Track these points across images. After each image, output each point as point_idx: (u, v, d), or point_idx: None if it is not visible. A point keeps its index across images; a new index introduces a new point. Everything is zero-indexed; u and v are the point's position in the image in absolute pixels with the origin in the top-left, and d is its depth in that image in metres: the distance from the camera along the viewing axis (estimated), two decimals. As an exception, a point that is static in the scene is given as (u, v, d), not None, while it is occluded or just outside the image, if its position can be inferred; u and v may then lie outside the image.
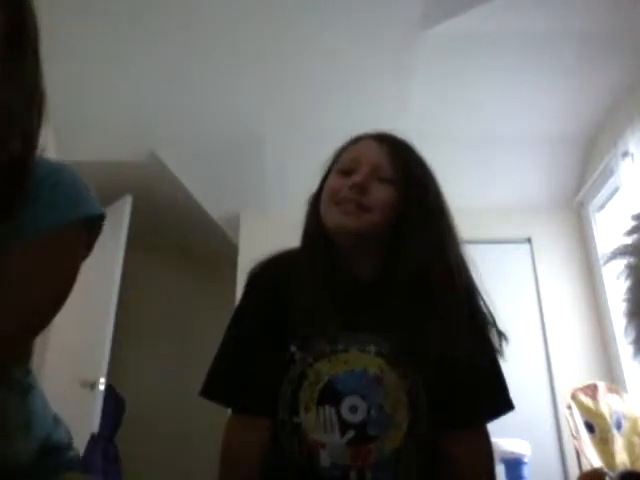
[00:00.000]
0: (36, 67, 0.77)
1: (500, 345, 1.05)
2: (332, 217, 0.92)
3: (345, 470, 0.84)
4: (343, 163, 0.97)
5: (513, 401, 1.04)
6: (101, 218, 0.74)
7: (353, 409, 0.86)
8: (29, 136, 0.71)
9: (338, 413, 0.86)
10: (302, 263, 0.93)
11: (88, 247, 0.76)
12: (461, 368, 0.88)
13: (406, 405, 0.87)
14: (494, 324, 1.03)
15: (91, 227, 0.74)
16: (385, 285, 0.90)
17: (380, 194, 0.91)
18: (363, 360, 0.87)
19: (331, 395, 0.86)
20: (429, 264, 0.90)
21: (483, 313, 1.02)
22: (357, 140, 1.01)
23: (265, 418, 0.88)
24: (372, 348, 0.88)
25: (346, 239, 0.92)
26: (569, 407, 2.59)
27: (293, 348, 0.88)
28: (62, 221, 0.68)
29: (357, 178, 0.91)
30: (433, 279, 0.90)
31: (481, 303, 1.04)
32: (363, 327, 0.89)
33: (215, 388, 0.92)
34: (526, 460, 2.54)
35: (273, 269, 0.97)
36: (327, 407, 0.86)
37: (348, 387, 0.86)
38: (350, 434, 0.85)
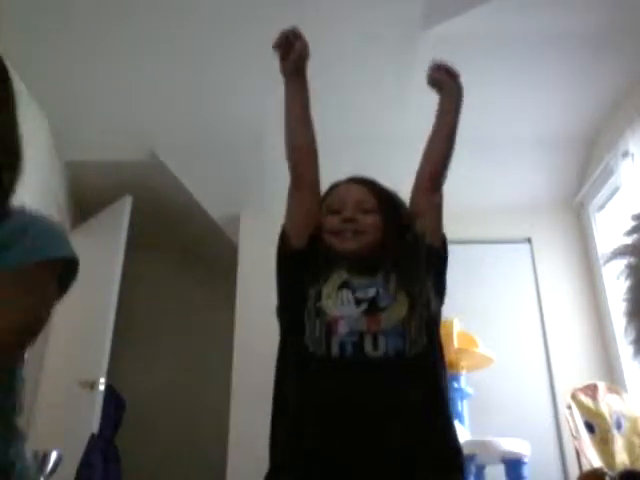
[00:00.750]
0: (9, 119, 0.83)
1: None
2: (336, 245, 1.20)
3: (361, 335, 1.06)
4: (332, 205, 1.25)
5: None
6: (74, 262, 0.82)
7: (365, 290, 1.13)
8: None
9: (354, 294, 1.12)
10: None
11: (63, 290, 0.83)
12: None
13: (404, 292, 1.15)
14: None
15: (66, 268, 0.82)
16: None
17: (367, 220, 1.22)
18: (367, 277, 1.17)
19: (347, 285, 1.13)
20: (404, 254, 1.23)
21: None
22: (337, 186, 1.31)
23: None
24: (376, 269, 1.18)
25: (351, 256, 1.19)
26: (569, 407, 2.59)
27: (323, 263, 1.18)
28: (31, 260, 0.76)
29: (347, 214, 1.21)
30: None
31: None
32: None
33: None
34: (526, 460, 2.54)
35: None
36: (344, 290, 1.13)
37: (362, 284, 1.14)
38: (364, 305, 1.10)
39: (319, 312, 1.10)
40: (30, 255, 0.76)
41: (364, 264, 1.19)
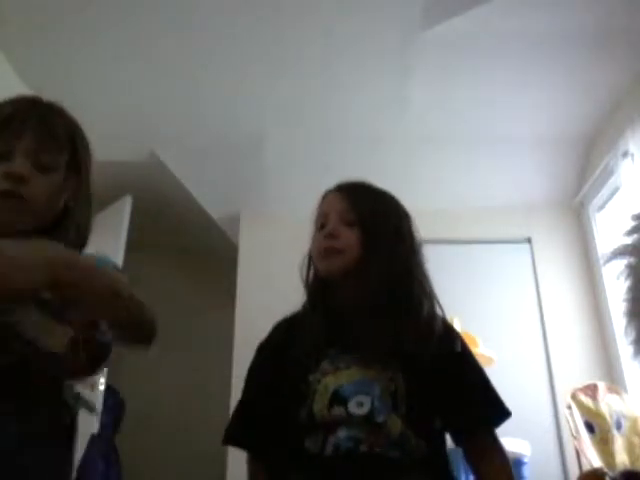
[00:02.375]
0: (88, 179, 1.01)
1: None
2: (319, 267, 1.13)
3: (357, 442, 0.97)
4: (317, 219, 1.17)
5: (508, 408, 1.12)
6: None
7: (359, 404, 0.99)
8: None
9: (347, 410, 0.99)
10: (306, 310, 1.15)
11: None
12: (445, 375, 1.07)
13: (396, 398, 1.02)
14: (458, 337, 1.21)
15: None
16: (365, 308, 1.07)
17: (348, 236, 1.10)
18: (361, 372, 1.03)
19: (339, 399, 1.00)
20: (393, 287, 1.08)
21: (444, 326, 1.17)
22: (325, 197, 1.20)
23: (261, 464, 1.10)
24: (361, 360, 1.04)
25: (334, 279, 1.12)
26: (569, 407, 2.59)
27: (311, 377, 1.04)
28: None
29: (328, 229, 1.11)
30: (399, 299, 1.08)
31: (444, 320, 1.20)
32: (357, 346, 1.05)
33: (235, 436, 1.12)
34: (526, 460, 2.54)
35: (279, 328, 1.19)
36: (336, 407, 0.99)
37: (353, 390, 1.01)
38: (361, 423, 0.98)
39: (313, 422, 1.00)
40: (107, 263, 0.96)
41: (351, 321, 1.07)
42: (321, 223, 1.15)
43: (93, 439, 2.75)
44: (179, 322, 4.45)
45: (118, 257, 3.25)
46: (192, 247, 4.51)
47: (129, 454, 3.56)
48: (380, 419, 0.98)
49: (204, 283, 4.57)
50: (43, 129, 0.92)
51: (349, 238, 1.09)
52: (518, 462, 2.52)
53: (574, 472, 2.80)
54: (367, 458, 0.96)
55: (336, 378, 1.02)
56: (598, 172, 3.34)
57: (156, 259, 4.52)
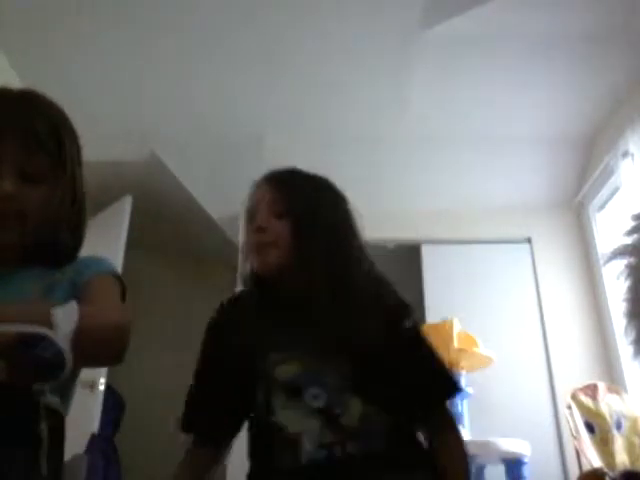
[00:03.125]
0: (73, 177, 0.97)
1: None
2: (253, 262, 1.10)
3: (329, 448, 0.94)
4: (247, 214, 1.13)
5: (459, 382, 1.17)
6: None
7: (315, 396, 0.97)
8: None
9: (304, 402, 0.97)
10: (247, 302, 1.15)
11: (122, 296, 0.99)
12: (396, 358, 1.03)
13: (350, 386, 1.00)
14: (409, 312, 1.14)
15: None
16: (308, 298, 1.05)
17: (278, 229, 1.06)
18: (310, 360, 1.01)
19: (293, 389, 0.98)
20: (333, 274, 1.05)
21: (395, 304, 1.13)
22: (253, 188, 1.16)
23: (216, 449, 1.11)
24: (310, 348, 1.02)
25: (268, 275, 1.09)
26: (569, 407, 2.59)
27: (260, 365, 1.02)
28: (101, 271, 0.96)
29: (257, 222, 1.07)
30: (340, 285, 1.05)
31: (393, 296, 1.15)
32: (303, 335, 1.03)
33: (189, 422, 1.11)
34: (526, 460, 2.54)
35: (226, 310, 1.19)
36: (294, 401, 0.98)
37: (306, 381, 0.99)
38: (320, 418, 0.96)
39: (276, 427, 0.98)
40: (104, 268, 0.97)
41: (294, 311, 1.05)
42: (251, 216, 1.11)
43: (93, 439, 2.75)
44: (179, 322, 4.44)
45: (118, 257, 3.24)
46: (192, 247, 4.50)
47: (129, 454, 3.56)
48: (338, 410, 0.97)
49: (204, 283, 4.57)
50: (25, 137, 0.88)
51: (279, 230, 1.05)
52: (518, 462, 2.52)
53: (574, 472, 2.80)
54: (344, 464, 0.94)
55: (288, 367, 1.00)
56: (598, 172, 3.34)
57: (156, 259, 4.51)
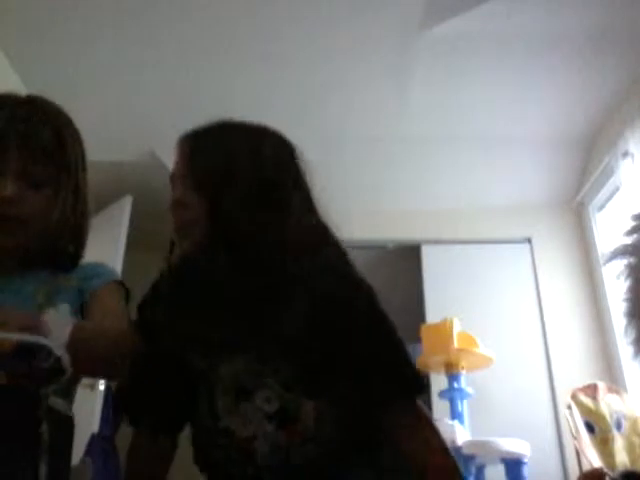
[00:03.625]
0: (77, 182, 0.97)
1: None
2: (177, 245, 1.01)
3: (285, 451, 0.84)
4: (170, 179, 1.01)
5: (419, 374, 0.92)
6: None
7: (267, 399, 0.85)
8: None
9: (255, 406, 0.85)
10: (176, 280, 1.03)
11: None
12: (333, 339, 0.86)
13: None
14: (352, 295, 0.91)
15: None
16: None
17: (194, 206, 0.93)
18: (252, 359, 0.87)
19: (243, 393, 0.86)
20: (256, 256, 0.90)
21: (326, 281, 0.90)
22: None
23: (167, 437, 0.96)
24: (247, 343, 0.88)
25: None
26: (569, 407, 2.59)
27: (195, 359, 0.89)
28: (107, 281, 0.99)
29: (174, 197, 0.97)
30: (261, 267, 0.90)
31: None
32: (241, 329, 0.89)
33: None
34: (526, 460, 2.54)
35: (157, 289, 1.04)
36: (243, 404, 0.85)
37: (254, 382, 0.86)
38: (274, 422, 0.84)
39: (225, 432, 0.85)
40: (111, 277, 1.00)
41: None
42: (172, 185, 0.98)
43: (93, 439, 2.75)
44: (179, 322, 4.45)
45: (118, 257, 3.24)
46: (192, 247, 4.50)
47: (129, 454, 3.55)
48: (292, 415, 0.84)
49: (204, 283, 4.56)
50: (28, 142, 0.88)
51: (195, 209, 0.92)
52: (518, 462, 2.52)
53: (574, 472, 2.80)
54: (303, 468, 0.84)
55: (231, 366, 0.86)
56: (598, 172, 3.34)
57: (156, 259, 4.50)
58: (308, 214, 0.96)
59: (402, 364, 0.89)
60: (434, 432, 0.88)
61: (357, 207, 3.76)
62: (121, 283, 1.02)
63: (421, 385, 0.90)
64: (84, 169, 0.99)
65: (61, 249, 0.95)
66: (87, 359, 0.79)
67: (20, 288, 0.92)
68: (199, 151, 0.99)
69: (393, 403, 0.87)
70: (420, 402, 0.91)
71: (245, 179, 0.92)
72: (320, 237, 0.95)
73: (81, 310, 0.95)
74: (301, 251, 0.90)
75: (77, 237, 0.98)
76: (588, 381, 2.81)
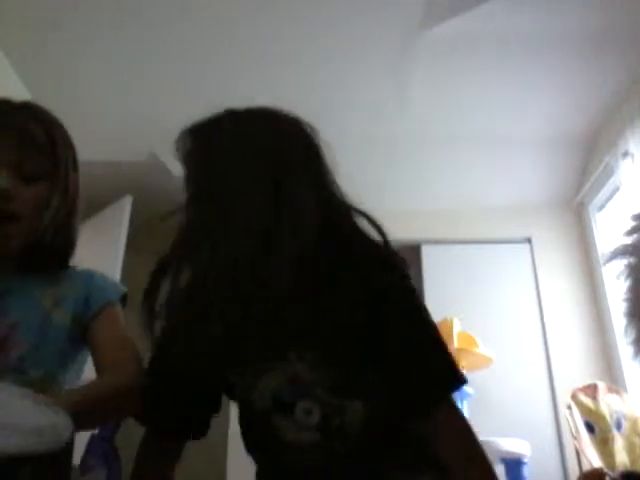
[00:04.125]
0: (67, 179, 0.97)
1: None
2: None
3: (331, 449, 0.81)
4: None
5: (461, 372, 0.86)
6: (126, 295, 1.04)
7: (307, 411, 0.81)
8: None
9: (295, 421, 0.81)
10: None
11: None
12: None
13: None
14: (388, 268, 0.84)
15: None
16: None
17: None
18: (288, 368, 0.82)
19: (283, 407, 0.82)
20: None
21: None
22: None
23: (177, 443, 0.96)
24: (293, 355, 0.82)
25: None
26: (569, 407, 2.59)
27: (232, 378, 0.86)
28: (118, 295, 1.01)
29: None
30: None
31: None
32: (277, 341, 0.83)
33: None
34: (526, 460, 2.54)
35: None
36: (282, 420, 0.82)
37: (295, 394, 0.82)
38: (316, 435, 0.81)
39: (273, 438, 0.83)
40: (116, 294, 1.00)
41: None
42: None
43: (93, 439, 2.75)
44: (179, 322, 4.44)
45: (117, 257, 3.25)
46: (192, 247, 4.51)
47: (129, 454, 3.55)
48: (337, 422, 0.81)
49: (204, 283, 4.56)
50: (23, 138, 0.91)
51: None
52: (518, 462, 2.52)
53: (574, 472, 2.80)
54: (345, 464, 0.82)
55: (269, 379, 0.82)
56: (598, 172, 3.34)
57: (156, 259, 4.51)
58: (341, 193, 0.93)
59: (451, 362, 0.84)
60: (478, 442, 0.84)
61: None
62: (123, 295, 1.03)
63: (462, 380, 0.85)
64: (75, 170, 1.00)
65: (49, 246, 0.93)
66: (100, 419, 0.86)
67: (25, 291, 0.92)
68: (196, 156, 0.98)
69: (436, 403, 0.82)
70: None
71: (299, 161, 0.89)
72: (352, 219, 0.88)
73: (83, 315, 0.96)
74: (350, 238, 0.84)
75: (66, 235, 0.97)
76: (588, 381, 2.81)
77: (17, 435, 0.54)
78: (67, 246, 0.98)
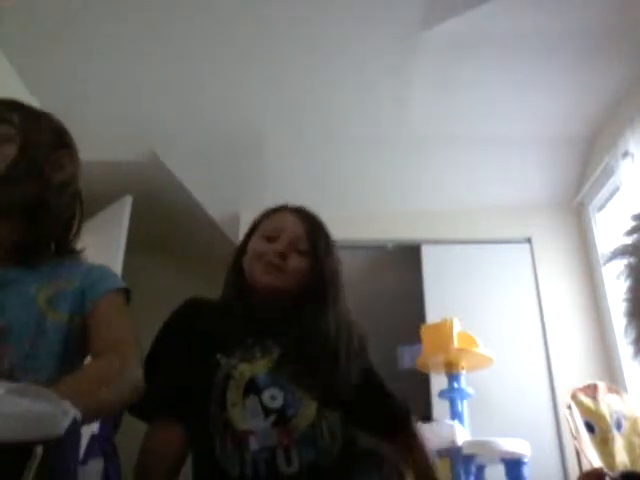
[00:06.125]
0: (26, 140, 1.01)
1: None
2: (257, 275, 1.13)
3: (272, 450, 0.97)
4: (267, 230, 1.18)
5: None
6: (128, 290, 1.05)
7: (273, 397, 1.01)
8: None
9: (261, 401, 1.00)
10: (226, 299, 1.20)
11: None
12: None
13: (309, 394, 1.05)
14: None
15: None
16: (286, 324, 1.11)
17: (295, 262, 1.13)
18: (275, 363, 1.06)
19: (253, 388, 1.01)
20: (318, 320, 1.11)
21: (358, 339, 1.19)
22: (278, 210, 1.23)
23: (180, 426, 1.04)
24: (277, 352, 1.08)
25: (265, 291, 1.13)
26: (569, 407, 2.59)
27: (219, 355, 1.05)
28: (116, 286, 1.02)
29: (280, 247, 1.12)
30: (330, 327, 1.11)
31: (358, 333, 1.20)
32: (273, 342, 1.09)
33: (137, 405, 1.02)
34: (526, 460, 2.54)
35: (194, 304, 1.25)
36: (251, 396, 1.01)
37: (267, 382, 1.03)
38: (273, 417, 0.99)
39: (227, 424, 0.98)
40: (114, 284, 1.01)
41: (269, 328, 1.10)
42: (271, 236, 1.15)
43: (93, 439, 2.75)
44: (179, 322, 4.44)
45: (118, 257, 3.25)
46: (192, 247, 4.50)
47: (129, 454, 3.55)
48: (290, 412, 1.00)
49: (204, 283, 4.55)
50: None
51: (296, 264, 1.12)
52: (518, 462, 2.52)
53: (574, 472, 2.80)
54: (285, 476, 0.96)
55: (252, 367, 1.04)
56: (598, 172, 3.34)
57: (156, 259, 4.51)
58: None
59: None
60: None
61: (357, 207, 3.76)
62: (124, 289, 1.03)
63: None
64: (36, 132, 1.03)
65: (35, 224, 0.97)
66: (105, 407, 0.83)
67: (21, 287, 0.92)
68: (315, 230, 1.20)
69: (410, 422, 1.18)
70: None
71: (333, 266, 1.18)
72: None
73: (80, 310, 0.96)
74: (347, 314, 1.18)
75: (60, 219, 1.02)
76: (588, 381, 2.80)
77: (5, 422, 0.55)
78: (69, 230, 1.03)
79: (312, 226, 1.19)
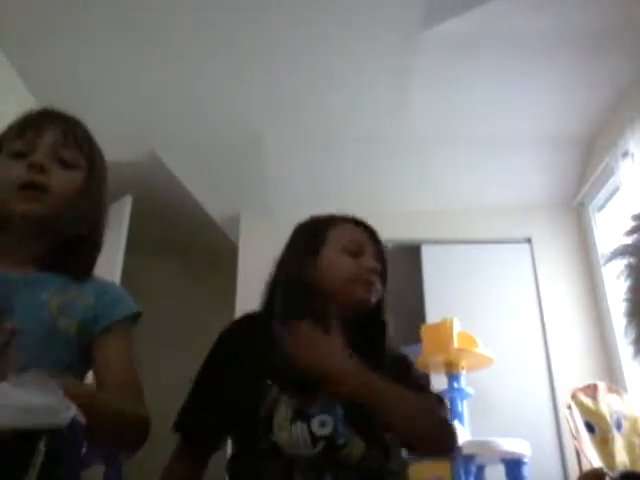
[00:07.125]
0: (99, 183, 1.03)
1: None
2: (351, 292, 1.09)
3: (319, 475, 0.94)
4: (348, 244, 1.15)
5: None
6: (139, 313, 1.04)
7: (322, 424, 0.97)
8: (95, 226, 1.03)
9: (309, 428, 0.97)
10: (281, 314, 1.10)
11: None
12: None
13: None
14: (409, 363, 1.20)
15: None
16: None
17: (380, 285, 1.13)
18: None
19: (302, 414, 0.98)
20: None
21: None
22: (356, 226, 1.22)
23: (206, 456, 1.08)
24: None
25: (348, 309, 1.10)
26: (569, 407, 2.59)
27: (269, 381, 1.01)
28: (130, 312, 1.00)
29: (371, 265, 1.12)
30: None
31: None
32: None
33: (185, 425, 1.11)
34: (526, 460, 2.54)
35: (245, 327, 1.16)
36: (299, 423, 0.97)
37: (317, 409, 0.99)
38: (321, 445, 0.96)
39: (273, 446, 0.96)
40: (128, 309, 1.00)
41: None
42: (355, 251, 1.14)
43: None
44: (179, 322, 4.45)
45: (118, 257, 3.25)
46: (192, 247, 4.50)
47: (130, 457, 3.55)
48: (341, 441, 0.97)
49: (204, 283, 4.57)
50: (64, 128, 0.99)
51: (380, 287, 1.12)
52: (518, 462, 2.52)
53: (574, 472, 2.80)
54: None
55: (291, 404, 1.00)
56: (598, 172, 3.34)
57: (156, 259, 4.51)
58: None
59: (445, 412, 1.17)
60: None
61: (357, 207, 3.75)
62: (135, 315, 1.02)
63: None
64: (104, 170, 1.05)
65: (75, 234, 0.97)
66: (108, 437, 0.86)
67: (35, 291, 0.92)
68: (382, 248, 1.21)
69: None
70: None
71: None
72: None
73: (90, 328, 0.95)
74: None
75: (94, 227, 1.01)
76: (588, 381, 2.80)
77: (5, 411, 0.56)
78: (96, 238, 1.02)
79: (380, 245, 1.22)
